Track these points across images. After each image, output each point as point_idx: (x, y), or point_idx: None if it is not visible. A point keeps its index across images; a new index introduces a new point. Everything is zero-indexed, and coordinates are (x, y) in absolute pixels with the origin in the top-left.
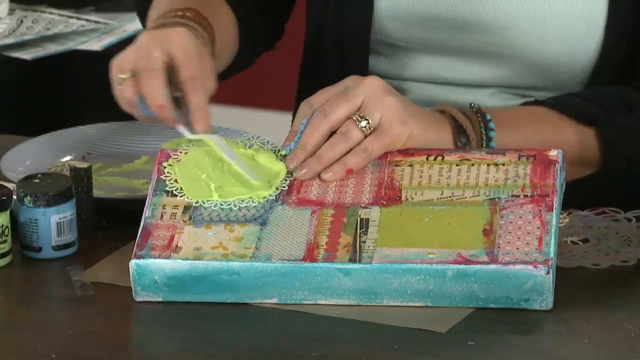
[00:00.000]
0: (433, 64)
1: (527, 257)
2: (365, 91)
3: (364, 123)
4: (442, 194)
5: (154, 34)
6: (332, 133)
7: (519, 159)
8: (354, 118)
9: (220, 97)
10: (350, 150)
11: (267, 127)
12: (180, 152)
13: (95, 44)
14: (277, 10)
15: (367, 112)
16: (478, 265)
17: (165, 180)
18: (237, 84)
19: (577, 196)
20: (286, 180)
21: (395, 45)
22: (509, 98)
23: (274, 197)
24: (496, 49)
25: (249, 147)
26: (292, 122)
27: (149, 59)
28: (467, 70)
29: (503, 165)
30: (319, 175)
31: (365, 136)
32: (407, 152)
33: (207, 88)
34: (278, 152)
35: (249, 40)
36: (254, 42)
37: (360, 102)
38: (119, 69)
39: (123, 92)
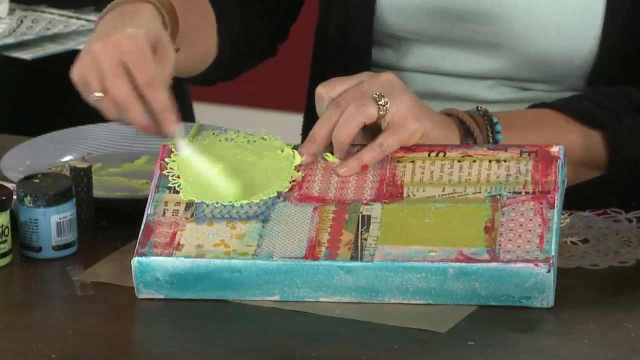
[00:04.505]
0: (433, 54)
1: (528, 255)
2: (380, 87)
3: (383, 101)
4: (443, 191)
5: (105, 43)
6: None
7: (520, 155)
8: (374, 95)
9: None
10: (364, 146)
11: (275, 128)
12: None
13: None
14: (278, 13)
15: None
16: (479, 264)
17: (168, 176)
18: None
19: (578, 196)
20: (290, 184)
21: (397, 36)
22: (507, 90)
23: (276, 194)
24: (493, 40)
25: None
26: (304, 115)
27: (114, 82)
28: (466, 61)
29: (505, 161)
30: (323, 171)
31: (379, 117)
32: (409, 147)
33: (165, 80)
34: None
35: (232, 46)
36: (244, 47)
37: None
38: (86, 86)
39: (106, 112)
